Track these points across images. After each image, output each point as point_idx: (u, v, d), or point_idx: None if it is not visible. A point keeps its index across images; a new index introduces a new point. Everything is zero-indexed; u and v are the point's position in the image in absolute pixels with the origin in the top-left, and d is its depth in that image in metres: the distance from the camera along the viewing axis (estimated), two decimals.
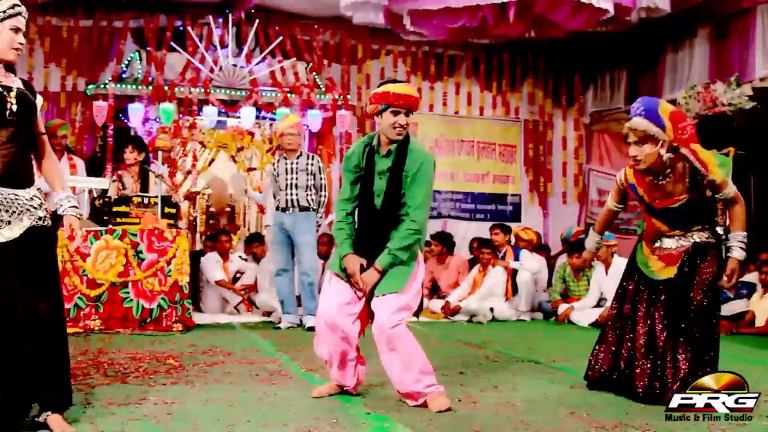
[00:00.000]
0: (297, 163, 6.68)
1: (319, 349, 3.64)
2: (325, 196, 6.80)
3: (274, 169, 6.79)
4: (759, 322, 7.25)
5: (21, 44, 2.95)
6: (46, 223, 2.93)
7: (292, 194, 6.61)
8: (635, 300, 3.79)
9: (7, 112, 2.84)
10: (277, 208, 6.74)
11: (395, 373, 3.44)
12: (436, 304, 8.05)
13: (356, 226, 3.63)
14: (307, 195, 6.65)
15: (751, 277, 7.75)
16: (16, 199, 2.86)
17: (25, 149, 2.94)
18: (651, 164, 3.64)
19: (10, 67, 2.97)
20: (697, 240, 3.72)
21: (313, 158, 6.79)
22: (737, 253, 3.71)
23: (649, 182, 3.75)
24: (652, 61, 9.40)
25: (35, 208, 2.90)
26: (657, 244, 3.82)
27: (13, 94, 2.88)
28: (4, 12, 2.87)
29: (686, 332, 3.55)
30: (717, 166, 3.62)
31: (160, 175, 7.02)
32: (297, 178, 6.63)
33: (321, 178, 6.75)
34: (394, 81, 3.63)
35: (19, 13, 2.92)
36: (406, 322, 3.44)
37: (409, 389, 3.44)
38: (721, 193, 3.66)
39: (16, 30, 2.91)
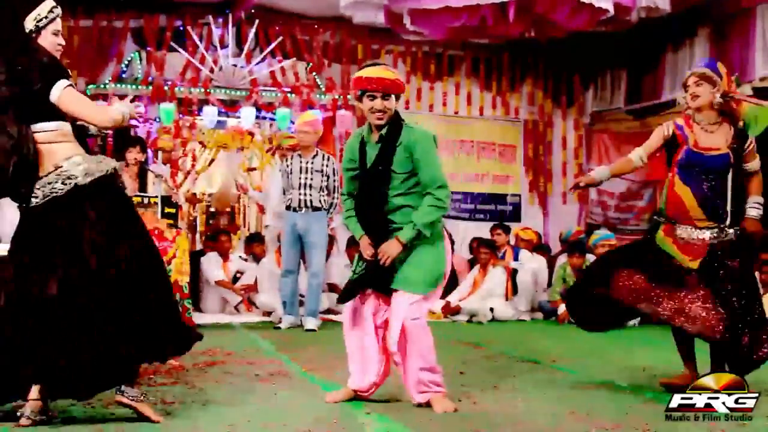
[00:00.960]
0: (312, 163, 6.62)
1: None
2: (336, 198, 6.70)
3: (287, 166, 6.73)
4: None
5: (61, 45, 3.10)
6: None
7: (305, 194, 6.55)
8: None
9: None
10: (288, 208, 6.68)
11: (411, 368, 3.38)
12: (437, 304, 8.02)
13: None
14: (321, 196, 6.61)
15: None
16: None
17: None
18: (704, 104, 3.86)
19: None
20: (718, 234, 3.83)
21: (328, 159, 6.72)
22: (755, 212, 3.90)
23: (697, 128, 3.92)
24: (652, 61, 9.40)
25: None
26: (678, 232, 3.88)
27: None
28: (47, 17, 3.02)
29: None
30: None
31: (160, 175, 7.02)
32: (312, 179, 6.57)
33: (334, 180, 6.66)
34: (374, 64, 3.51)
35: (59, 16, 3.06)
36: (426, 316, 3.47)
37: (419, 387, 3.39)
38: (752, 161, 3.90)
39: (57, 33, 3.06)
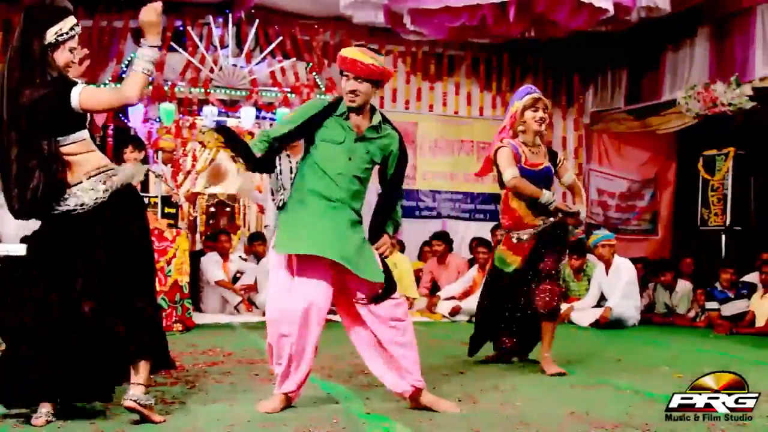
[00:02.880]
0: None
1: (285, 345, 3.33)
2: None
3: (276, 167, 6.73)
4: (759, 323, 7.25)
5: (74, 62, 3.14)
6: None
7: None
8: None
9: None
10: (280, 208, 6.68)
11: (408, 367, 3.35)
12: (444, 306, 7.97)
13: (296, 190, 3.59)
14: None
15: (752, 277, 7.76)
16: None
17: None
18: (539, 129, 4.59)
19: None
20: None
21: None
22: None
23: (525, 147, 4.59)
24: (652, 61, 9.40)
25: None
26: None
27: None
28: (67, 33, 3.06)
29: None
30: None
31: (160, 175, 7.01)
32: None
33: None
34: (360, 45, 3.50)
35: (78, 34, 3.12)
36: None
37: (417, 384, 3.37)
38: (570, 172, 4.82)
39: (73, 50, 3.11)
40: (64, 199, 3.01)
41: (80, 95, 2.99)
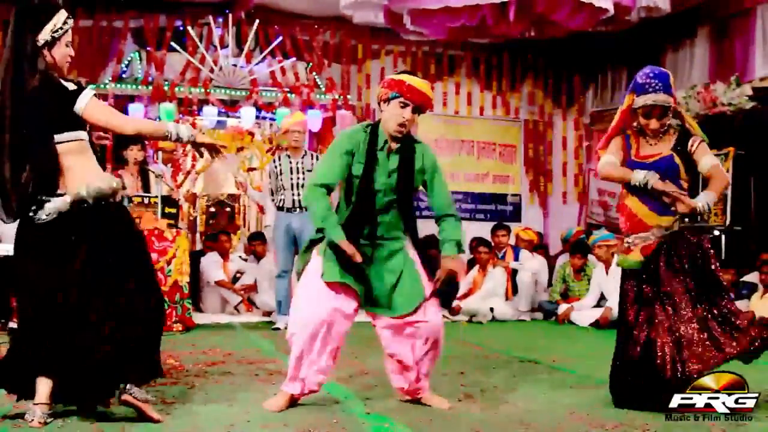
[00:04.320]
0: (302, 163, 6.65)
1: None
2: None
3: (276, 167, 6.74)
4: None
5: (71, 56, 3.13)
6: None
7: (299, 194, 6.55)
8: None
9: None
10: (281, 209, 6.68)
11: (424, 370, 3.44)
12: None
13: (340, 221, 3.33)
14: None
15: (752, 277, 7.75)
16: None
17: None
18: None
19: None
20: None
21: (318, 158, 6.77)
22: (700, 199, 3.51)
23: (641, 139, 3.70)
24: (652, 61, 9.27)
25: None
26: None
27: None
28: (62, 28, 3.04)
29: None
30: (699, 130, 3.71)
31: (160, 174, 7.02)
32: (304, 178, 6.59)
33: None
34: (413, 74, 3.46)
35: (71, 27, 3.10)
36: None
37: (425, 384, 3.49)
38: (707, 157, 3.59)
39: (68, 44, 3.10)
40: (42, 205, 2.99)
41: (89, 103, 3.00)
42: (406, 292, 3.36)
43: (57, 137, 3.00)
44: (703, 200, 3.47)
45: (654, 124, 3.59)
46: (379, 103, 3.43)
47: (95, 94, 3.07)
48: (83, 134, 3.09)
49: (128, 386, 3.00)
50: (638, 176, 3.52)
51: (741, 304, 7.53)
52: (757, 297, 7.44)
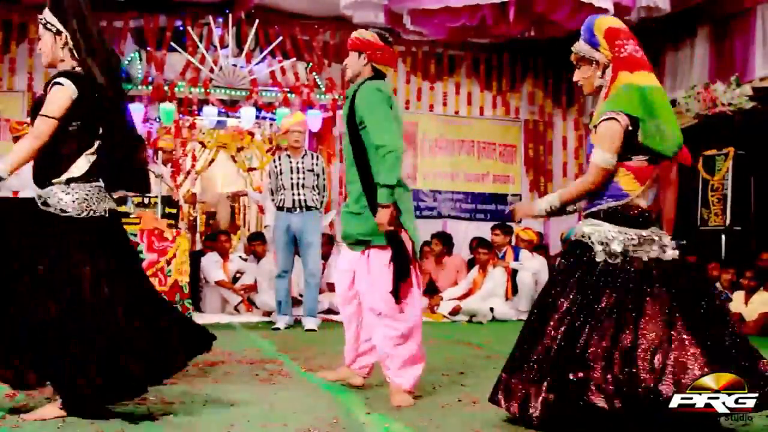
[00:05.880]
0: (302, 163, 6.65)
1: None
2: (325, 197, 6.78)
3: (276, 167, 6.74)
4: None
5: (39, 49, 3.19)
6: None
7: (299, 194, 6.55)
8: None
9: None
10: (281, 208, 6.67)
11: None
12: (444, 306, 7.95)
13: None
14: (313, 195, 6.62)
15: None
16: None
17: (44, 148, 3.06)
18: (592, 90, 3.26)
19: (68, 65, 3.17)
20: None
21: (317, 158, 6.77)
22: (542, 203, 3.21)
23: None
24: (652, 61, 9.30)
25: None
26: None
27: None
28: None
29: None
30: (617, 102, 3.07)
31: (159, 175, 7.02)
32: (304, 178, 6.59)
33: (323, 179, 6.74)
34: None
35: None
36: None
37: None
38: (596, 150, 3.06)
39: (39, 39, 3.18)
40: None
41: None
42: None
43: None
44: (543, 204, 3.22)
45: (575, 75, 3.30)
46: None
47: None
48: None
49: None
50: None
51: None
52: (739, 300, 7.48)
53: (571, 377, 2.85)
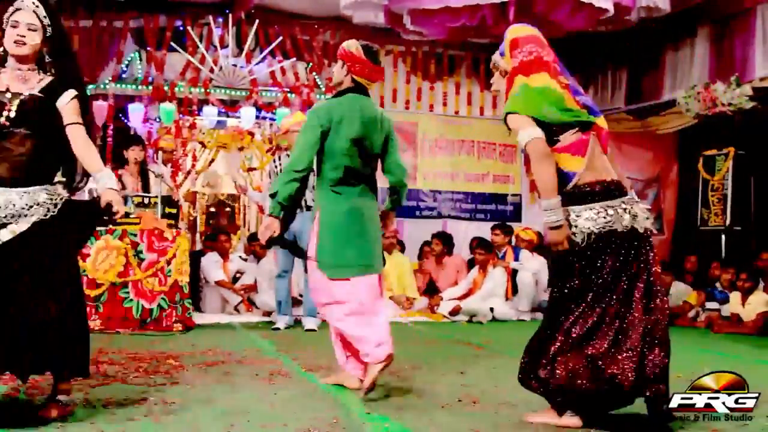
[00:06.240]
0: None
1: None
2: None
3: (276, 167, 6.74)
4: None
5: (21, 36, 3.06)
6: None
7: None
8: None
9: (2, 119, 3.00)
10: None
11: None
12: (444, 306, 7.95)
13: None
14: (312, 195, 6.61)
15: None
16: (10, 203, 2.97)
17: (33, 150, 3.05)
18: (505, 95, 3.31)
19: (41, 62, 3.14)
20: None
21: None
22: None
23: None
24: (652, 61, 9.39)
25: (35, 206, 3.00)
26: None
27: (16, 102, 3.02)
28: (6, 16, 3.08)
29: None
30: (518, 98, 3.22)
31: (160, 175, 7.02)
32: None
33: None
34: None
35: (18, 9, 3.07)
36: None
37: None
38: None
39: (14, 25, 3.06)
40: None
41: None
42: None
43: None
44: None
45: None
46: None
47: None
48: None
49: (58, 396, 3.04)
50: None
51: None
52: (737, 301, 7.49)
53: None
